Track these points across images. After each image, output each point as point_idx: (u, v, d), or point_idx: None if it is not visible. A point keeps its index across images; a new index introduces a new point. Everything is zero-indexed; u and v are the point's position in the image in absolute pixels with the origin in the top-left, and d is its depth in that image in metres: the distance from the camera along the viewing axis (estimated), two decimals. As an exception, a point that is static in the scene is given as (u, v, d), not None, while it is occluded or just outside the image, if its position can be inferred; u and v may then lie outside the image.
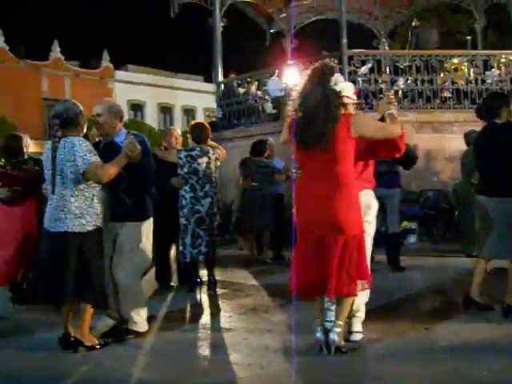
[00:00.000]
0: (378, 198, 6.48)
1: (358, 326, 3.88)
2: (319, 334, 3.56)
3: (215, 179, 5.77)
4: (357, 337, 3.83)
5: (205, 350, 3.90)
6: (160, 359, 3.69)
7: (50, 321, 4.29)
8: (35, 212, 5.38)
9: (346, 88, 3.75)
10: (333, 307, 3.59)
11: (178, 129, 6.72)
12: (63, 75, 31.41)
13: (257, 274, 6.78)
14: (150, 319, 4.48)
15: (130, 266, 4.10)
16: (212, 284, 5.83)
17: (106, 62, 33.43)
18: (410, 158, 6.30)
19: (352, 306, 3.69)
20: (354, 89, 3.97)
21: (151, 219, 4.31)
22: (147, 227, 4.25)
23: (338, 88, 3.58)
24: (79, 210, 3.76)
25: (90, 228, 3.80)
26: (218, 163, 5.84)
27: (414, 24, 11.82)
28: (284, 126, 3.83)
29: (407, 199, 9.85)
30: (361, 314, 3.91)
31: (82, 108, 3.98)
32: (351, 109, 3.83)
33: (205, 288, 5.85)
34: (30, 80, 29.37)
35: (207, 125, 6.08)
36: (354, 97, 3.93)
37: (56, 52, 31.40)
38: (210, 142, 5.94)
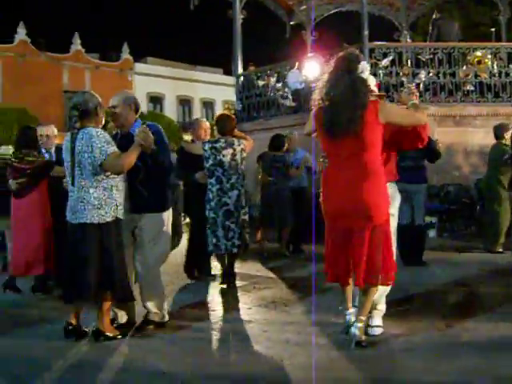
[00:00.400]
0: (405, 192, 6.51)
1: (377, 320, 3.89)
2: (348, 318, 3.65)
3: (242, 171, 5.65)
4: (376, 331, 3.82)
5: (225, 342, 3.91)
6: (180, 350, 3.72)
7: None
8: (45, 203, 5.48)
9: (369, 80, 3.76)
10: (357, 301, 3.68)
11: (206, 121, 6.55)
12: (83, 68, 31.65)
13: (275, 267, 6.78)
14: (171, 310, 4.52)
15: (150, 257, 4.12)
16: (231, 276, 5.81)
17: (125, 54, 33.60)
18: (434, 151, 6.25)
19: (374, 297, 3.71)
20: (376, 82, 3.96)
21: (170, 210, 4.31)
22: (166, 218, 4.25)
23: (364, 76, 3.60)
24: (98, 200, 3.78)
25: (109, 219, 3.81)
26: (244, 154, 5.68)
27: (434, 16, 11.64)
28: (309, 117, 3.81)
29: (428, 194, 9.77)
30: (381, 307, 3.93)
31: (100, 100, 3.99)
32: None
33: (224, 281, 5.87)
34: (51, 72, 29.65)
35: (232, 116, 5.97)
36: (376, 89, 3.93)
37: (76, 44, 31.63)
38: (237, 133, 5.83)
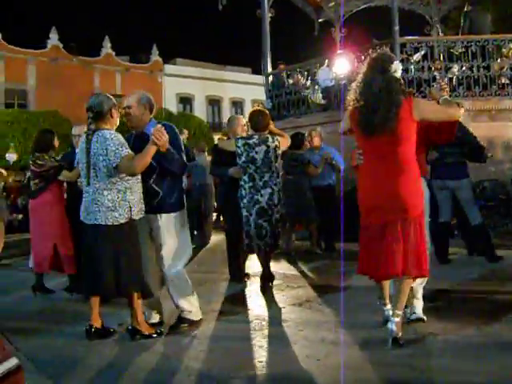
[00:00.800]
0: (446, 189, 6.41)
1: (419, 308, 4.07)
2: (386, 313, 3.75)
3: (276, 168, 5.50)
4: (416, 316, 4.03)
5: (260, 341, 3.89)
6: (216, 349, 3.73)
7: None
8: (57, 204, 5.63)
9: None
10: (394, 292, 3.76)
11: (242, 117, 6.42)
12: (114, 70, 32.14)
13: (308, 266, 6.75)
14: (206, 309, 4.53)
15: (171, 258, 4.12)
16: (269, 277, 5.70)
17: (155, 56, 33.99)
18: (475, 150, 6.15)
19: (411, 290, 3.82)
20: (408, 77, 4.10)
21: (184, 210, 4.29)
22: (181, 217, 4.24)
23: (397, 75, 3.70)
24: (112, 202, 3.83)
25: (122, 221, 3.85)
26: (279, 151, 5.51)
27: (466, 8, 11.39)
28: (344, 116, 3.91)
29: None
30: (420, 296, 4.07)
31: (115, 101, 4.04)
32: None
33: (257, 279, 5.86)
34: (82, 76, 30.20)
35: (266, 111, 5.84)
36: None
37: (107, 48, 32.14)
38: (273, 129, 5.67)
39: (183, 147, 4.27)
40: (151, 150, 3.73)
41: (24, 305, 5.28)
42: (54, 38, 30.33)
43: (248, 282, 5.87)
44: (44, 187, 5.61)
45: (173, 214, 4.14)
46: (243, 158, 5.42)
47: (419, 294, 4.07)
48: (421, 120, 3.62)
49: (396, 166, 3.58)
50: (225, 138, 6.31)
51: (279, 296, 5.24)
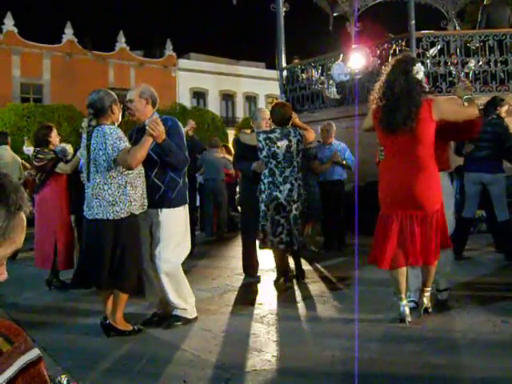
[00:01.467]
0: (480, 184, 6.37)
1: (444, 283, 4.43)
2: (402, 307, 3.88)
3: (297, 163, 5.32)
4: (444, 295, 4.42)
5: (274, 336, 3.90)
6: (229, 343, 3.74)
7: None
8: (57, 199, 5.68)
9: (420, 77, 4.17)
10: (418, 275, 4.15)
11: (267, 110, 6.05)
12: (128, 65, 32.24)
13: (322, 261, 6.73)
14: (219, 303, 4.54)
15: (169, 252, 4.05)
16: (299, 275, 5.66)
17: (169, 50, 34.03)
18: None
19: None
20: (424, 72, 4.24)
21: (186, 206, 4.21)
22: (182, 213, 4.16)
23: (419, 77, 3.98)
24: (112, 197, 3.83)
25: (123, 215, 3.84)
26: (301, 146, 5.35)
27: (484, 2, 11.22)
28: (368, 114, 4.11)
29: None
30: (447, 270, 4.41)
31: (115, 97, 4.03)
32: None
33: (270, 274, 5.87)
34: (97, 70, 30.35)
35: (288, 104, 5.72)
36: (426, 86, 4.43)
37: (121, 42, 32.24)
38: (297, 122, 5.48)
39: (185, 142, 4.18)
40: (146, 142, 3.73)
41: (39, 298, 5.32)
42: (68, 33, 30.48)
43: (262, 277, 5.86)
44: (44, 181, 5.68)
45: (173, 209, 4.08)
46: (264, 153, 5.27)
47: (447, 267, 4.38)
48: (440, 120, 3.82)
49: (414, 163, 3.80)
50: (248, 131, 6.16)
51: (292, 291, 5.24)
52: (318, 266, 6.47)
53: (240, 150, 5.91)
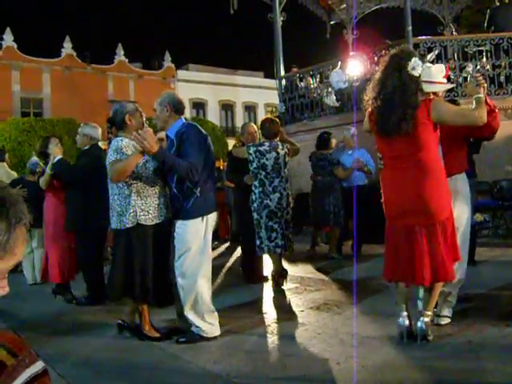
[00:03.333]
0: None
1: (446, 310, 3.94)
2: (401, 320, 3.59)
3: (285, 174, 5.73)
4: (443, 321, 3.90)
5: (279, 345, 3.88)
6: (234, 353, 3.71)
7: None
8: (51, 211, 5.74)
9: (435, 72, 3.60)
10: (421, 296, 3.64)
11: (254, 124, 6.57)
12: (127, 77, 32.37)
13: (327, 269, 6.72)
14: (223, 313, 4.52)
15: (184, 266, 3.91)
16: (281, 277, 5.78)
17: (167, 62, 34.18)
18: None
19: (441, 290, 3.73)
20: (444, 72, 3.70)
21: (208, 217, 3.98)
22: (200, 225, 3.93)
23: (416, 73, 3.45)
24: (120, 207, 3.92)
25: (128, 225, 3.89)
26: (288, 158, 5.77)
27: (493, 4, 11.23)
28: (366, 116, 3.77)
29: (479, 190, 9.46)
30: (452, 299, 3.96)
31: (130, 109, 4.08)
32: (441, 94, 3.73)
33: (273, 282, 5.86)
34: (96, 83, 30.47)
35: (276, 120, 6.04)
36: (445, 80, 3.73)
37: (120, 55, 32.39)
38: (284, 137, 5.94)
39: (200, 147, 3.95)
40: (132, 156, 3.78)
41: (41, 311, 5.31)
42: (67, 47, 30.64)
43: (265, 285, 5.85)
44: (40, 193, 5.77)
45: (188, 221, 3.91)
46: (254, 165, 5.69)
47: (451, 297, 3.97)
48: (439, 123, 3.45)
49: (416, 170, 3.43)
50: (238, 144, 6.51)
51: (297, 299, 5.22)
52: (323, 275, 6.44)
53: (232, 163, 6.35)
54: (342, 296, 5.23)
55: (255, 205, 5.70)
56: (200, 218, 3.93)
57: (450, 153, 3.73)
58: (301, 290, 5.56)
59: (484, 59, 9.92)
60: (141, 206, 3.90)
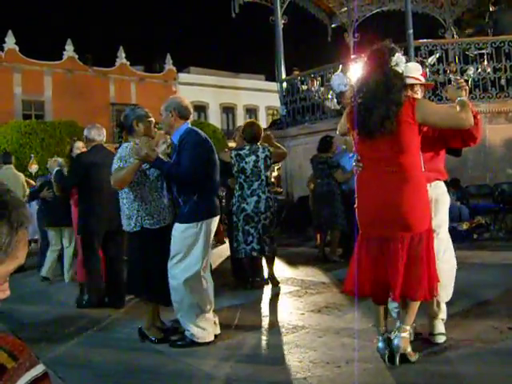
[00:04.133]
0: None
1: (440, 327, 3.64)
2: (381, 345, 3.31)
3: (266, 177, 5.72)
4: (440, 339, 3.60)
5: (279, 348, 3.87)
6: (235, 357, 3.71)
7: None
8: (74, 211, 5.94)
9: (411, 69, 3.53)
10: (397, 313, 3.49)
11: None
12: (129, 80, 32.34)
13: (327, 272, 6.71)
14: (223, 316, 4.52)
15: (174, 268, 3.92)
16: (272, 281, 5.86)
17: (169, 65, 34.16)
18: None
19: (433, 306, 3.57)
20: (423, 70, 3.71)
21: (202, 222, 3.92)
22: (192, 230, 3.89)
23: (399, 69, 3.27)
24: (128, 210, 4.06)
25: (135, 229, 4.04)
26: (269, 162, 5.73)
27: (491, 9, 11.23)
28: (342, 116, 3.57)
29: (480, 193, 9.48)
30: (443, 316, 3.66)
31: (138, 114, 4.13)
32: (419, 92, 3.56)
33: (273, 285, 5.86)
34: (98, 86, 30.46)
35: (258, 123, 6.08)
36: (422, 78, 3.62)
37: (121, 58, 32.38)
38: (272, 141, 5.92)
39: (200, 153, 3.95)
40: (131, 165, 3.88)
41: (41, 314, 5.30)
42: (69, 50, 30.61)
43: (266, 288, 5.85)
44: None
45: (183, 225, 3.92)
46: (235, 168, 5.73)
47: (442, 313, 3.64)
48: (423, 124, 3.22)
49: (397, 176, 3.16)
50: (226, 150, 6.57)
51: (298, 302, 5.21)
52: (324, 278, 6.43)
53: (221, 166, 6.24)
54: (344, 299, 5.21)
55: (234, 208, 5.76)
56: (195, 223, 3.91)
57: (429, 160, 3.48)
58: (302, 293, 5.55)
59: (485, 62, 9.92)
60: (145, 211, 4.02)
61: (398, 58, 3.29)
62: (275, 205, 5.84)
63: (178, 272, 3.91)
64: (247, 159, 5.66)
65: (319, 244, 7.90)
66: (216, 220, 4.10)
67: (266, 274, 6.13)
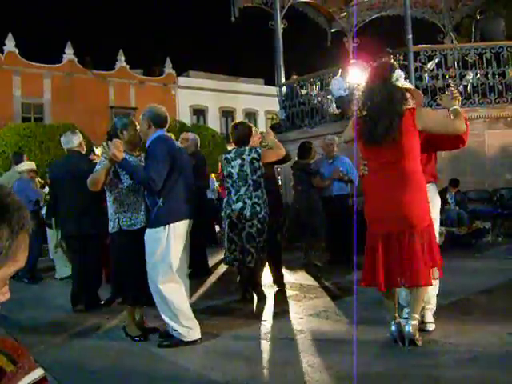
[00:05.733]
0: None
1: (430, 316, 4.03)
2: (394, 328, 3.69)
3: (254, 182, 5.24)
4: (430, 327, 3.99)
5: (278, 352, 3.87)
6: (232, 359, 3.71)
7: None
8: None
9: (402, 78, 3.87)
10: (406, 301, 3.85)
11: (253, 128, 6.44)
12: (128, 83, 32.38)
13: (325, 276, 6.70)
14: (222, 319, 4.52)
15: (151, 273, 4.04)
16: (258, 294, 5.54)
17: (168, 68, 34.21)
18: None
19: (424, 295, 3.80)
20: (422, 85, 4.08)
21: (169, 226, 3.98)
22: (162, 234, 3.97)
23: (399, 83, 3.71)
24: (109, 212, 4.34)
25: (113, 230, 4.26)
26: (257, 164, 5.22)
27: (478, 17, 11.31)
28: (348, 126, 3.96)
29: (479, 198, 9.49)
30: (432, 306, 4.05)
31: (123, 123, 4.33)
32: (410, 100, 3.85)
33: (273, 290, 5.85)
34: (97, 89, 30.49)
35: (247, 124, 5.67)
36: (408, 84, 4.12)
37: (121, 61, 32.42)
38: (271, 139, 5.29)
39: (163, 159, 3.99)
40: (101, 168, 4.12)
41: (41, 318, 5.30)
42: (69, 53, 30.65)
43: (265, 292, 5.82)
44: None
45: (150, 230, 4.03)
46: (224, 173, 5.47)
47: (431, 304, 4.05)
48: (423, 130, 3.63)
49: (400, 178, 3.57)
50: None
51: (296, 306, 5.21)
52: (322, 282, 6.43)
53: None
54: (342, 303, 5.21)
55: (222, 214, 5.57)
56: (162, 227, 3.98)
57: (423, 164, 3.80)
58: (300, 297, 5.55)
59: (484, 67, 9.95)
60: (123, 213, 4.23)
61: (398, 73, 3.74)
62: (266, 212, 5.29)
63: (153, 275, 4.05)
64: (233, 163, 5.28)
65: (304, 251, 7.78)
66: (185, 223, 4.11)
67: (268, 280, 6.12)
